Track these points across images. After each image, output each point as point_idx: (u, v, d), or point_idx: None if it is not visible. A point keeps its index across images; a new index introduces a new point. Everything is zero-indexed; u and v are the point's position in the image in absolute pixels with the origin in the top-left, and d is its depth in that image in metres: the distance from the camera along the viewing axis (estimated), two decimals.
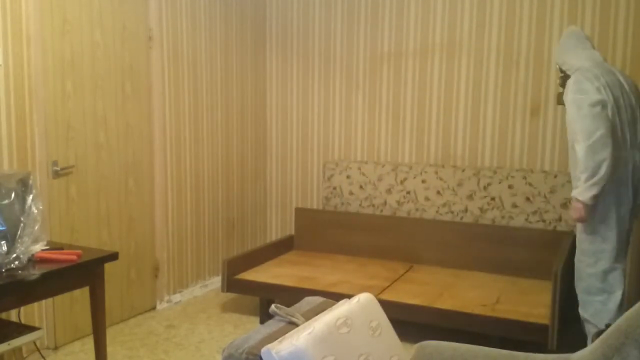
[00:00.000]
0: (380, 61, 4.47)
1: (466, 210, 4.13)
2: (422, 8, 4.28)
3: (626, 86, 2.97)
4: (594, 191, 2.83)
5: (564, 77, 3.09)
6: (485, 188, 4.07)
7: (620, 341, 1.56)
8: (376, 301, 1.96)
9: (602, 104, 2.81)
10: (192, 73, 4.19)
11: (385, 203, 4.40)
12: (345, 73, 4.61)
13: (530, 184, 3.94)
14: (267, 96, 4.97)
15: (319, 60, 4.70)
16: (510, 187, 3.99)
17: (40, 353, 2.97)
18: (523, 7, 3.97)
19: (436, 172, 4.22)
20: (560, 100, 3.25)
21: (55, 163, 3.26)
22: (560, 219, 3.86)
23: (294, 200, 4.93)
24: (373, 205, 4.45)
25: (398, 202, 4.35)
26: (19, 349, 2.69)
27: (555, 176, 3.86)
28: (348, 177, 4.54)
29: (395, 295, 3.47)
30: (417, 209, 4.29)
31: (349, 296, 2.02)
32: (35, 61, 3.11)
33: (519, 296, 3.48)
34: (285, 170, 4.95)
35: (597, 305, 2.98)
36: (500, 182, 4.02)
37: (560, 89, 3.21)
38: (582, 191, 2.85)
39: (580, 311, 3.07)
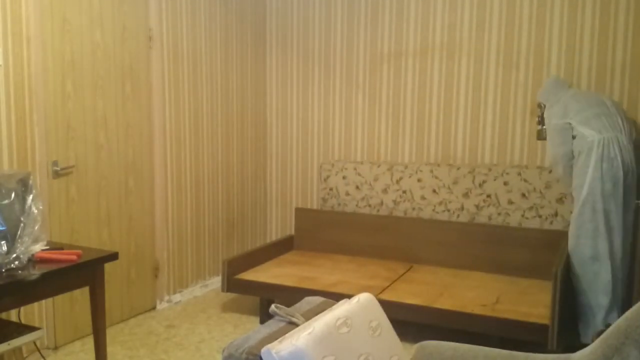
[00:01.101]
0: (380, 61, 4.47)
1: (462, 208, 4.14)
2: (422, 8, 4.28)
3: (608, 101, 3.45)
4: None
5: (543, 115, 3.62)
6: (480, 185, 4.08)
7: (620, 341, 1.56)
8: (376, 301, 1.96)
9: (562, 126, 3.37)
10: (192, 73, 4.19)
11: (381, 203, 4.41)
12: (345, 73, 4.61)
13: (525, 180, 3.95)
14: (267, 96, 4.97)
15: (319, 60, 4.71)
16: (505, 183, 4.00)
17: (40, 353, 2.97)
18: (523, 7, 3.97)
19: (432, 171, 4.24)
20: (540, 136, 3.74)
21: (55, 163, 3.26)
22: (556, 214, 3.87)
23: (294, 200, 4.93)
24: (370, 205, 4.46)
25: (394, 202, 4.37)
26: (19, 349, 2.69)
27: (550, 171, 3.87)
28: (344, 177, 4.55)
29: (395, 295, 3.47)
30: (413, 208, 4.30)
31: (349, 296, 2.02)
32: (35, 61, 3.12)
33: (518, 296, 3.48)
34: (285, 170, 4.95)
35: (590, 276, 3.27)
36: (495, 179, 4.03)
37: (539, 127, 3.72)
38: (557, 171, 3.58)
39: (577, 285, 3.33)
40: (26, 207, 2.38)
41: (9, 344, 2.41)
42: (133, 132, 3.78)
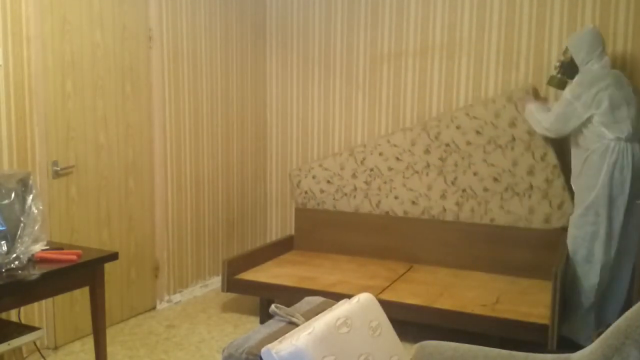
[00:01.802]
0: (380, 61, 4.47)
1: (428, 165, 4.16)
2: (422, 8, 4.28)
3: (628, 87, 3.35)
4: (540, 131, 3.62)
5: (568, 65, 3.48)
6: (436, 137, 4.12)
7: (620, 341, 1.56)
8: (376, 301, 1.96)
9: (587, 117, 3.29)
10: (192, 73, 4.19)
11: (355, 188, 4.44)
12: (345, 73, 4.61)
13: (475, 117, 3.99)
14: (267, 96, 4.96)
15: (319, 60, 4.70)
16: (458, 127, 4.03)
17: (40, 353, 2.97)
18: (523, 7, 3.97)
19: (388, 141, 4.28)
20: (551, 82, 3.63)
21: (55, 163, 3.26)
22: (513, 139, 3.88)
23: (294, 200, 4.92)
24: (346, 195, 4.48)
25: (366, 182, 4.39)
26: (19, 349, 2.69)
27: (494, 101, 3.93)
28: (314, 177, 4.57)
29: (395, 295, 3.47)
30: (385, 182, 4.32)
31: (349, 296, 2.02)
32: (35, 61, 3.11)
33: (518, 296, 3.48)
34: (285, 170, 4.95)
35: (579, 275, 3.34)
36: (447, 127, 4.07)
37: (554, 72, 3.60)
38: (539, 124, 3.58)
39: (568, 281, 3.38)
40: (26, 207, 2.38)
41: (9, 344, 2.41)
42: (133, 132, 3.77)
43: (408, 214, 4.26)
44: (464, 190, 4.08)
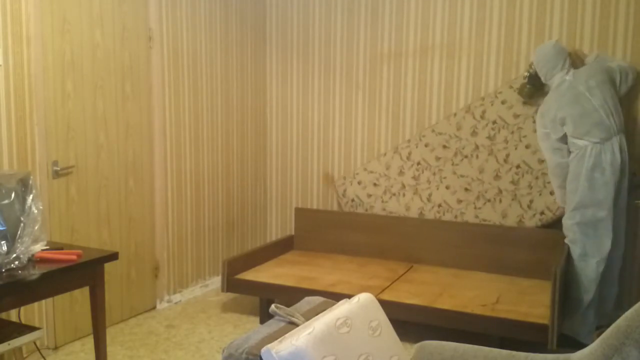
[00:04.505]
0: (380, 61, 4.47)
1: (477, 147, 4.06)
2: (422, 8, 4.28)
3: (603, 85, 3.37)
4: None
5: (535, 77, 3.62)
6: (482, 117, 4.03)
7: (620, 341, 1.56)
8: (376, 301, 1.96)
9: (559, 145, 3.41)
10: (192, 73, 4.19)
11: (403, 186, 4.33)
12: (345, 73, 4.61)
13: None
14: (267, 96, 4.96)
15: (319, 60, 4.70)
16: (503, 102, 3.96)
17: (40, 353, 2.97)
18: (523, 7, 3.97)
19: (433, 130, 4.21)
20: (521, 92, 3.77)
21: (55, 163, 3.26)
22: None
23: (294, 200, 4.93)
24: (394, 195, 4.36)
25: (414, 178, 4.28)
26: (19, 349, 2.69)
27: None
28: (359, 182, 4.49)
29: (395, 295, 3.48)
30: (433, 173, 4.21)
31: (349, 296, 2.02)
32: (35, 61, 3.11)
33: (518, 296, 3.48)
34: (285, 170, 4.95)
35: (577, 271, 3.38)
36: (492, 104, 3.99)
37: (524, 80, 3.71)
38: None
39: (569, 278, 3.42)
40: (26, 207, 2.38)
41: (9, 344, 2.41)
42: (133, 132, 3.77)
43: (462, 202, 4.13)
44: (518, 167, 3.92)
